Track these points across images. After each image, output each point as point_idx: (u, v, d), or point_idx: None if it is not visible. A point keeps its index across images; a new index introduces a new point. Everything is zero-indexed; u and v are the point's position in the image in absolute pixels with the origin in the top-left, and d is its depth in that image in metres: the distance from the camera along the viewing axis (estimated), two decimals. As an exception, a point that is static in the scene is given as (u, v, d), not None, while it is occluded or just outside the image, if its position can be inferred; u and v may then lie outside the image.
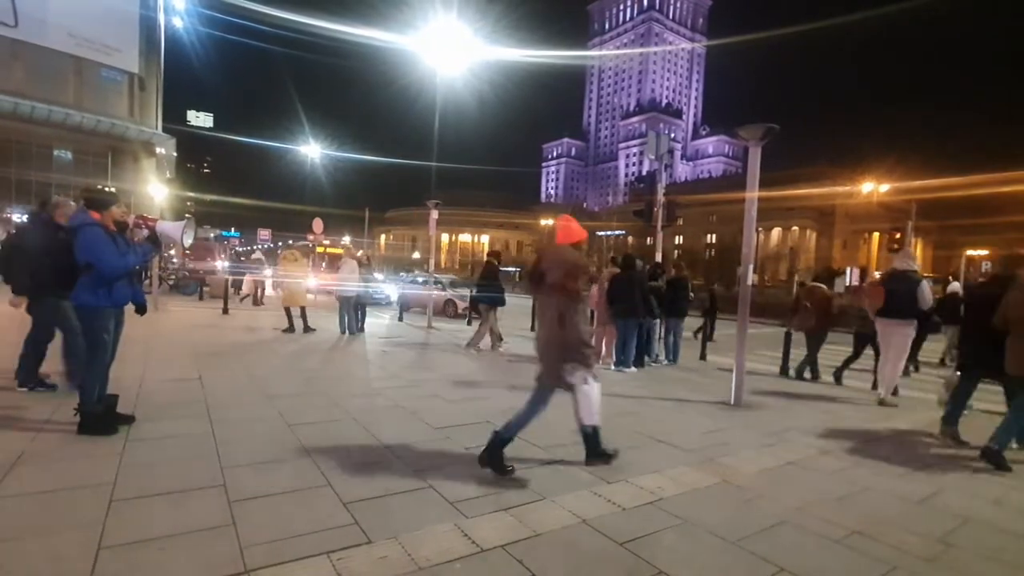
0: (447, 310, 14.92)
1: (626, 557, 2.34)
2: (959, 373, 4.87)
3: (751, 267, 5.68)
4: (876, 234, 74.41)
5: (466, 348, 8.36)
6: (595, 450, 3.43)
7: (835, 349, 8.10)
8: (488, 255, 8.98)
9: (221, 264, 18.89)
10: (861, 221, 72.24)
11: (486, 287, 8.54)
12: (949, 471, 3.83)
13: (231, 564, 2.08)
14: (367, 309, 10.34)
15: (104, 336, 3.56)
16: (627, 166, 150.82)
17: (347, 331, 9.32)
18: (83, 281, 3.46)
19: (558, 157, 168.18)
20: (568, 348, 3.22)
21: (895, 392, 6.22)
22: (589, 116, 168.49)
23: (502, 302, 8.52)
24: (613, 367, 7.40)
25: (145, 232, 3.74)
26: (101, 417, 3.53)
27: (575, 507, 2.80)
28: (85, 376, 3.54)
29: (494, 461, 3.19)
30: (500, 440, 3.22)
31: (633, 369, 7.30)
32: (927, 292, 5.68)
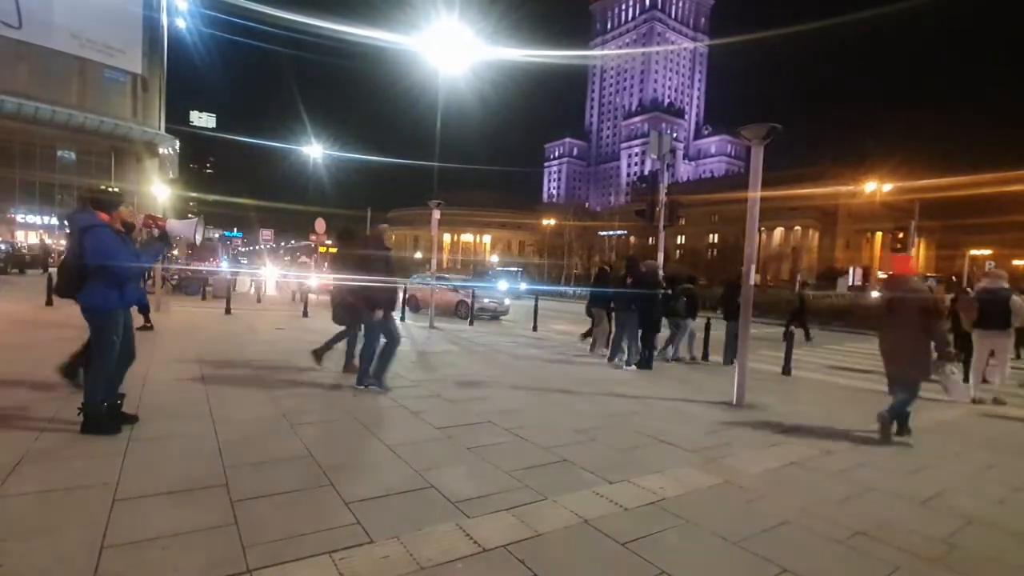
0: (459, 311, 14.83)
1: (628, 557, 2.34)
2: None
3: (754, 267, 5.68)
4: (879, 234, 74.22)
5: (593, 352, 8.82)
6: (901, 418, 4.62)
7: (835, 348, 8.07)
8: (602, 264, 10.75)
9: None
10: (864, 221, 72.06)
11: (600, 294, 9.07)
12: (952, 472, 3.82)
13: (233, 563, 2.08)
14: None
15: (114, 338, 3.55)
16: (629, 166, 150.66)
17: None
18: (94, 283, 3.42)
19: (560, 157, 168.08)
20: (937, 349, 4.44)
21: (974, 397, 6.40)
22: (591, 116, 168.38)
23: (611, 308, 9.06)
24: (620, 364, 7.43)
25: (156, 232, 3.78)
26: (105, 417, 3.53)
27: (577, 507, 2.80)
28: (90, 376, 3.54)
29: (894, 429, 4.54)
30: (894, 417, 4.52)
31: (632, 367, 7.31)
32: (1020, 306, 6.35)
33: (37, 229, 36.77)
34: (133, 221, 3.73)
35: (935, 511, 3.07)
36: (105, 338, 3.52)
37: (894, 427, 4.54)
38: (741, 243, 6.06)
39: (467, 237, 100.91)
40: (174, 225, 3.85)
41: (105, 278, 3.42)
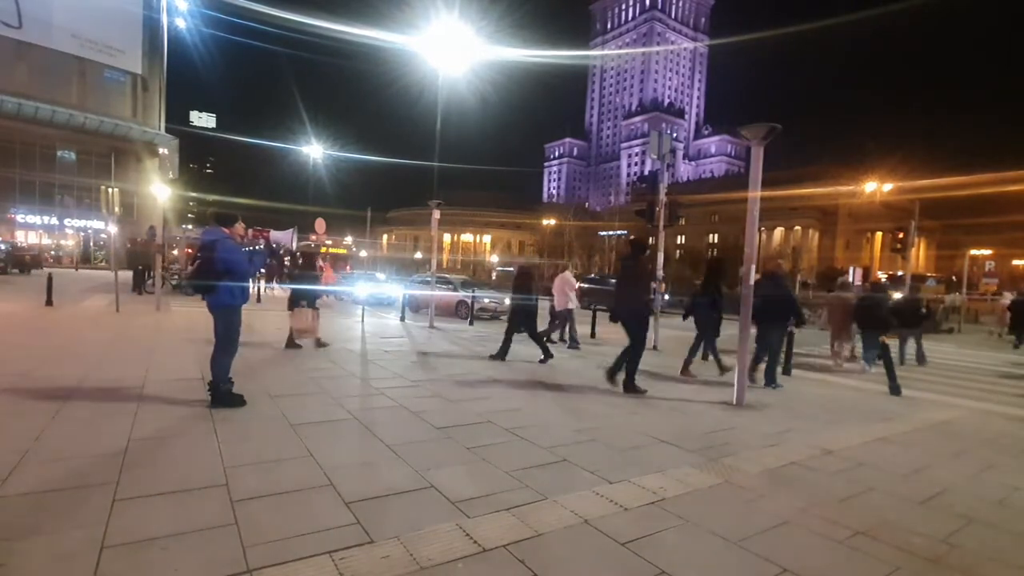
0: (459, 311, 14.81)
1: (628, 557, 2.34)
2: None
3: (753, 267, 5.67)
4: (879, 234, 74.18)
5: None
6: None
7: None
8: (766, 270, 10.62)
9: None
10: (864, 221, 72.00)
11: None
12: (953, 472, 3.82)
13: (233, 563, 2.09)
14: (367, 309, 10.32)
15: (239, 328, 4.32)
16: (629, 166, 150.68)
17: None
18: (224, 286, 4.08)
19: (560, 157, 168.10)
20: None
21: None
22: (591, 116, 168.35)
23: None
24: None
25: (262, 242, 4.09)
26: (231, 394, 4.26)
27: (577, 507, 2.80)
28: (219, 360, 4.22)
29: None
30: None
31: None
32: None
33: (37, 229, 36.77)
34: (243, 234, 4.42)
35: (935, 511, 3.07)
36: (235, 330, 4.27)
37: None
38: (741, 243, 6.07)
39: (467, 237, 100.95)
40: (276, 235, 4.23)
41: (232, 279, 4.09)
